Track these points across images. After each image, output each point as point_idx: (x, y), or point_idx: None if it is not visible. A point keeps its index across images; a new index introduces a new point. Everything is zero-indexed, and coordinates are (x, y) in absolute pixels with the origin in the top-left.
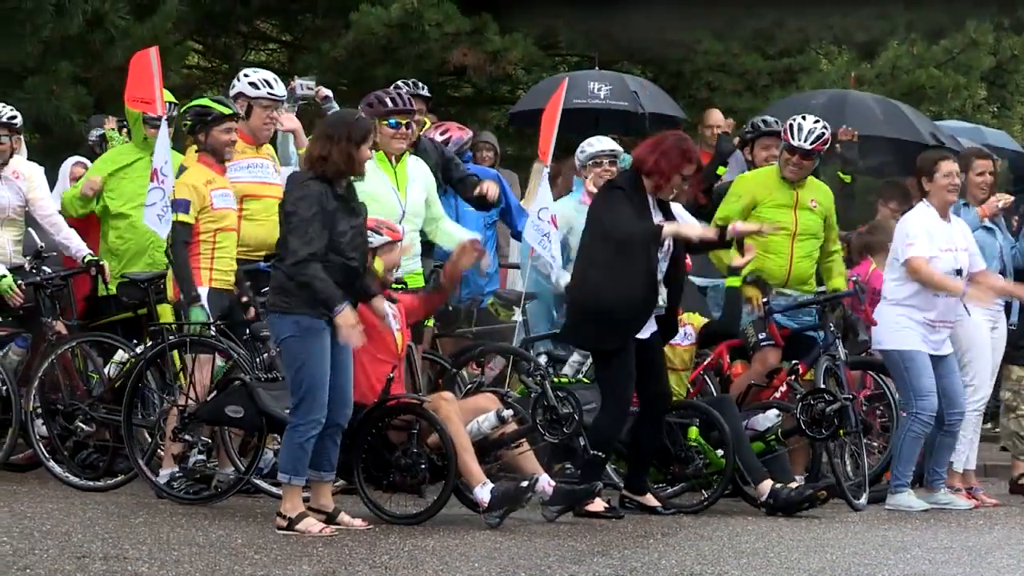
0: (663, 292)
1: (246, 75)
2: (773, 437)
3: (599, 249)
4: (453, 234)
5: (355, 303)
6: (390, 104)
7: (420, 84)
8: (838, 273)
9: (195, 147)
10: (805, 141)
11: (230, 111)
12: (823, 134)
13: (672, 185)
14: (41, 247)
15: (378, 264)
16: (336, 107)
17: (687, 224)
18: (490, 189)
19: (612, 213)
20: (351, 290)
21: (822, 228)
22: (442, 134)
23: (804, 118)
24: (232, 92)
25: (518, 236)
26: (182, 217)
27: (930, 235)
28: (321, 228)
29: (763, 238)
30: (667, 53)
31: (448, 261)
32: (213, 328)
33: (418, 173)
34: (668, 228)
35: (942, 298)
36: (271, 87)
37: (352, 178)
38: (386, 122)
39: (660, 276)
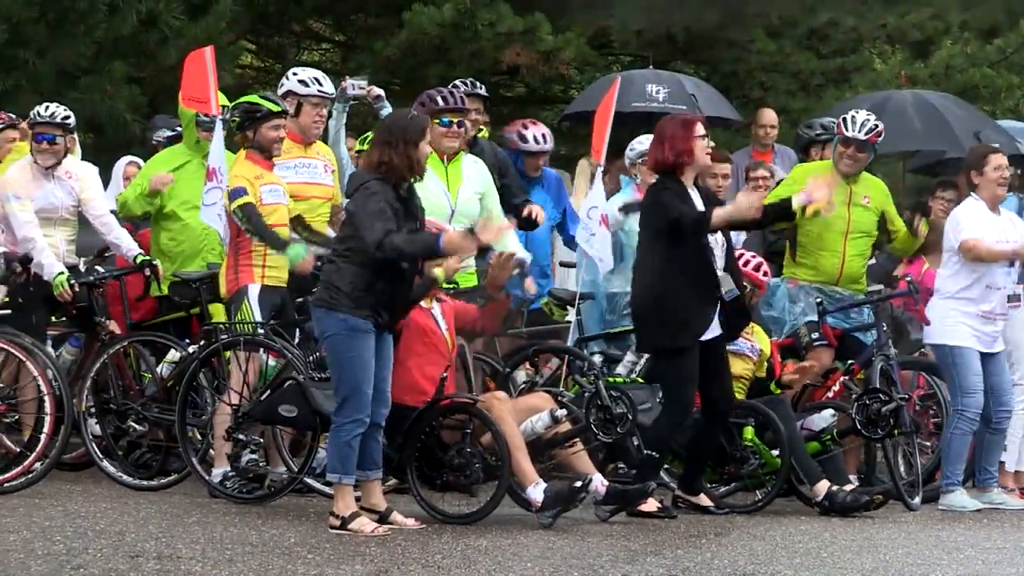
0: (725, 283)
1: (295, 73)
2: (828, 437)
3: (655, 246)
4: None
5: (407, 309)
6: (442, 103)
7: (478, 83)
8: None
9: (244, 144)
10: (860, 132)
11: (278, 108)
12: (876, 126)
13: (699, 156)
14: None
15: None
16: (388, 107)
17: (735, 204)
18: (539, 215)
19: (663, 205)
20: (403, 294)
21: (875, 226)
22: (523, 129)
23: (857, 111)
24: (281, 91)
25: (570, 241)
26: (244, 199)
27: (981, 227)
28: (392, 214)
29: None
30: (720, 53)
31: (487, 276)
32: (265, 327)
33: (473, 173)
34: (719, 212)
35: (996, 291)
36: (320, 84)
37: (414, 179)
38: (438, 120)
39: (719, 265)
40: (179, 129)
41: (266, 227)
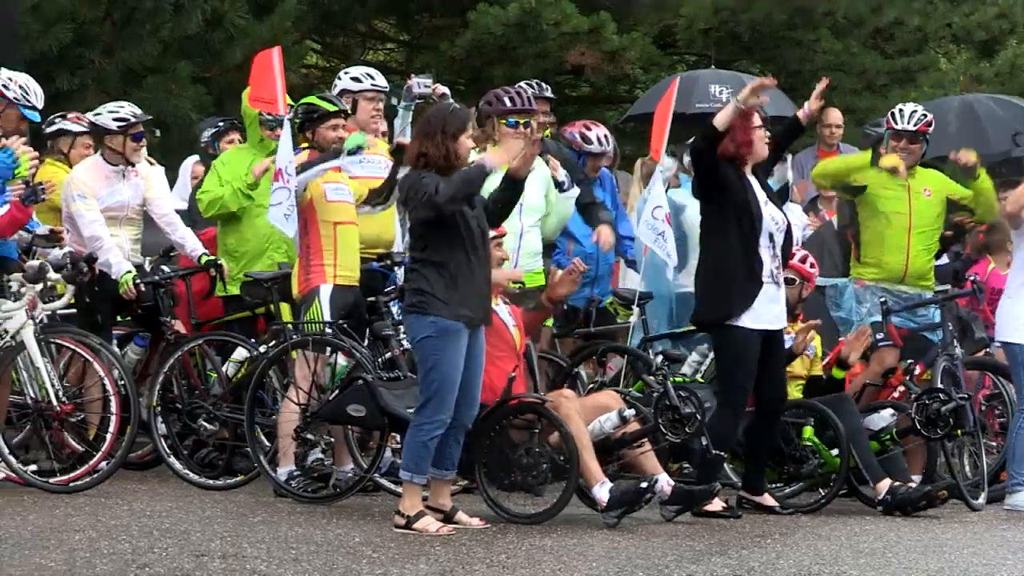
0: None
1: (346, 72)
2: (888, 437)
3: (713, 231)
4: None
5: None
6: (508, 103)
7: (544, 85)
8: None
9: (304, 144)
10: (909, 123)
11: (335, 108)
12: (925, 115)
13: (758, 147)
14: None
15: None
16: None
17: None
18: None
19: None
20: (485, 287)
21: (940, 218)
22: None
23: (904, 104)
24: (335, 91)
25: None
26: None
27: None
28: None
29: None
30: (786, 52)
31: (548, 286)
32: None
33: (536, 173)
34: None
35: None
36: (373, 79)
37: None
38: (504, 121)
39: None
40: (220, 125)
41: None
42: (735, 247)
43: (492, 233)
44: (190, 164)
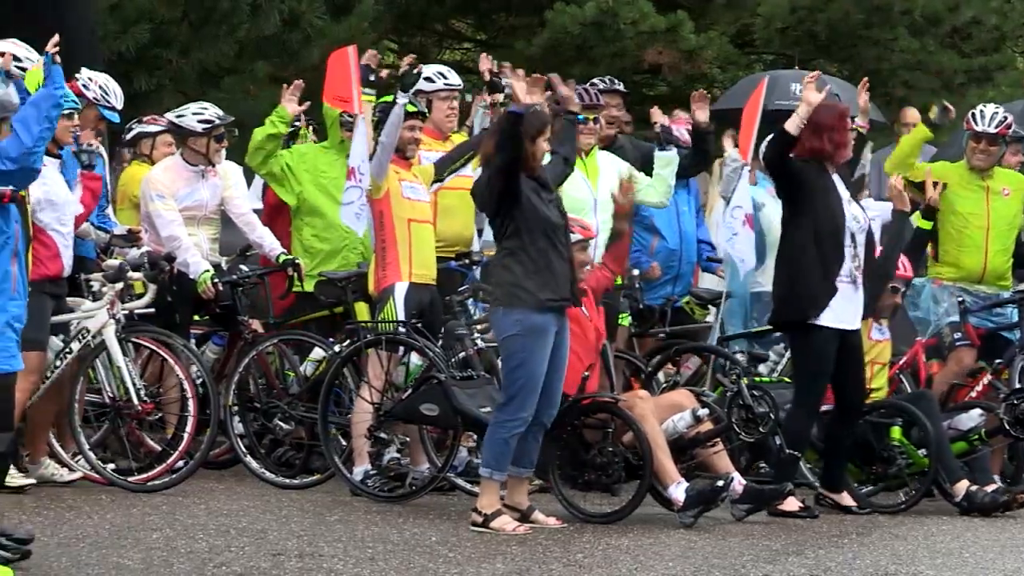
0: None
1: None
2: (976, 437)
3: (789, 223)
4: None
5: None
6: (576, 100)
7: (615, 80)
8: None
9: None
10: (990, 125)
11: (415, 109)
12: (1006, 118)
13: (848, 149)
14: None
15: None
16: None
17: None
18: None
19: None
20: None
21: (1017, 216)
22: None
23: (985, 105)
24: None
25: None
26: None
27: None
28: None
29: (958, 232)
30: (863, 51)
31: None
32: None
33: (608, 166)
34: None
35: None
36: (446, 78)
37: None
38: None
39: (855, 248)
40: (297, 124)
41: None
42: (815, 247)
43: (577, 236)
44: None
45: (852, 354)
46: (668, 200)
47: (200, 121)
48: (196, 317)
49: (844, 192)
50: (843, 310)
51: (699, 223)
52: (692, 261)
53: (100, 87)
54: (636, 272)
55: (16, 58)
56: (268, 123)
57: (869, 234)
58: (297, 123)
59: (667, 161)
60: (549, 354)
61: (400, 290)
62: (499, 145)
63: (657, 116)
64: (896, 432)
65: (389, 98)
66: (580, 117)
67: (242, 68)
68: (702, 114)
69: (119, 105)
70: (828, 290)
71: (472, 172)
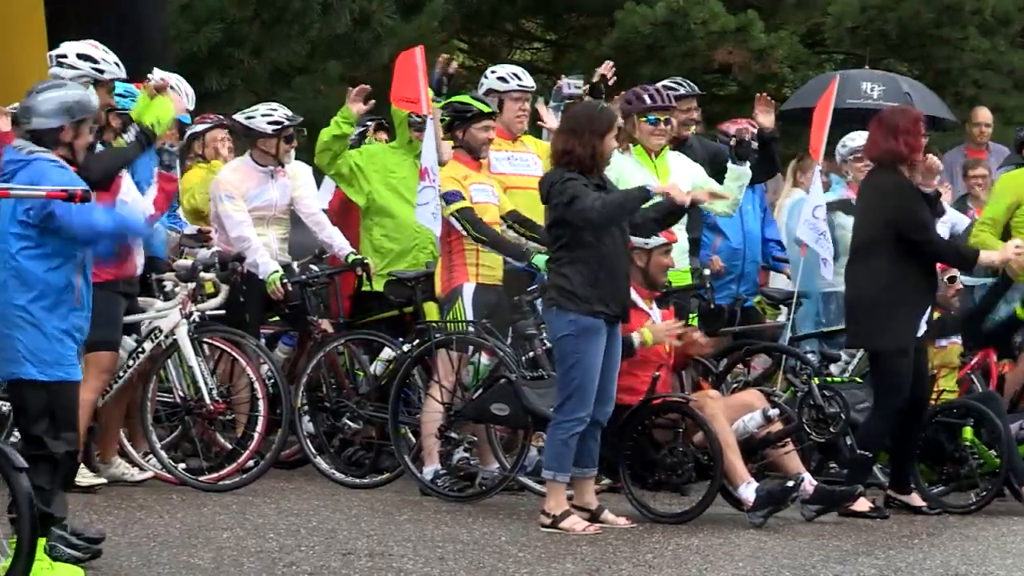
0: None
1: (493, 71)
2: None
3: (878, 241)
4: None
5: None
6: (648, 101)
7: (689, 82)
8: None
9: (452, 143)
10: None
11: (488, 109)
12: None
13: (921, 149)
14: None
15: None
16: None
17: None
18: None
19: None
20: (625, 284)
21: None
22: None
23: None
24: (482, 90)
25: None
26: (460, 204)
27: None
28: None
29: None
30: (934, 50)
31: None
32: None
33: (680, 167)
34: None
35: None
36: (520, 79)
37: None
38: (644, 118)
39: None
40: (369, 124)
41: (495, 236)
42: (915, 268)
43: (661, 239)
44: None
45: (917, 355)
46: (734, 211)
47: (269, 122)
48: (267, 317)
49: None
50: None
51: (768, 222)
52: (756, 260)
53: (172, 88)
54: (707, 272)
55: (92, 60)
56: (333, 124)
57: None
58: (368, 122)
59: (739, 175)
60: (602, 352)
61: (468, 291)
62: (613, 220)
63: (730, 129)
64: (967, 432)
65: (460, 97)
66: (652, 119)
67: (313, 68)
68: (767, 119)
69: (190, 106)
70: (920, 315)
71: (539, 171)
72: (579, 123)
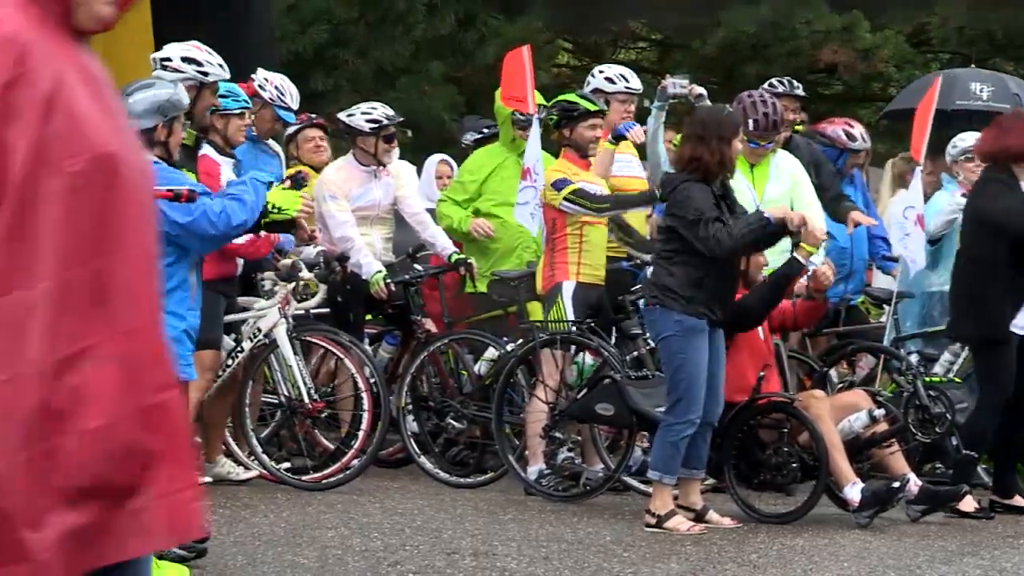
0: None
1: (601, 71)
2: None
3: (979, 236)
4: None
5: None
6: (752, 127)
7: (795, 83)
8: None
9: (559, 142)
10: None
11: (596, 107)
12: None
13: None
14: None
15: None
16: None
17: None
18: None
19: (997, 204)
20: (731, 288)
21: None
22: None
23: None
24: (588, 89)
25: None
26: (571, 187)
27: None
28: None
29: None
30: None
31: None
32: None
33: (782, 170)
34: None
35: None
36: (627, 81)
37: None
38: (747, 140)
39: None
40: (486, 131)
41: (616, 196)
42: (1009, 255)
43: None
44: (434, 163)
45: (1021, 353)
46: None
47: (368, 121)
48: (369, 317)
49: None
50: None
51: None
52: (864, 258)
53: (276, 87)
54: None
55: (197, 63)
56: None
57: None
58: (485, 129)
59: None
60: (707, 351)
61: (568, 289)
62: (736, 251)
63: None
64: None
65: (567, 96)
66: (752, 143)
67: (418, 68)
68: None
69: (295, 106)
70: (1017, 305)
71: (643, 173)
72: (706, 129)
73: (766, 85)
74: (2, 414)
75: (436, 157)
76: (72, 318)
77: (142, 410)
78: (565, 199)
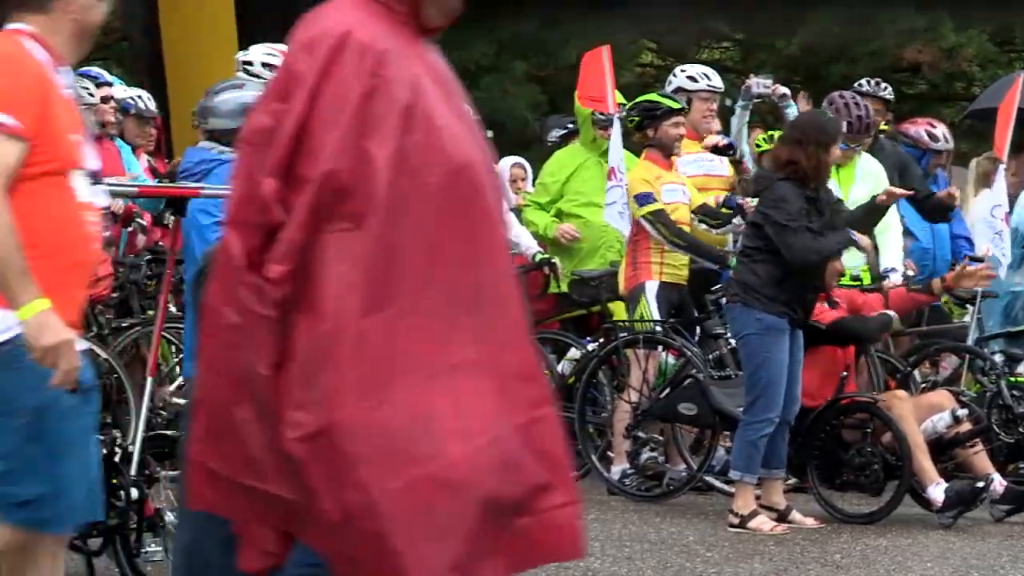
0: None
1: (683, 70)
2: None
3: None
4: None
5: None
6: (845, 128)
7: (882, 84)
8: None
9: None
10: None
11: (678, 105)
12: None
13: None
14: None
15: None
16: (793, 106)
17: None
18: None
19: None
20: (814, 289)
21: None
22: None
23: None
24: (670, 88)
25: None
26: (653, 206)
27: None
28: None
29: None
30: None
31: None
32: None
33: (867, 173)
34: None
35: None
36: (709, 79)
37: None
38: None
39: None
40: (570, 126)
41: (693, 240)
42: None
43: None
44: (507, 166)
45: None
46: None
47: None
48: None
49: None
50: None
51: (956, 217)
52: (947, 258)
53: None
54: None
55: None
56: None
57: None
58: (570, 124)
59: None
60: (788, 351)
61: (651, 288)
62: (813, 265)
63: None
64: None
65: (648, 96)
66: (843, 145)
67: (501, 67)
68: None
69: None
70: None
71: (726, 171)
72: (806, 134)
73: (854, 86)
74: (381, 433)
75: (509, 160)
76: (445, 330)
77: (520, 426)
78: (644, 217)
